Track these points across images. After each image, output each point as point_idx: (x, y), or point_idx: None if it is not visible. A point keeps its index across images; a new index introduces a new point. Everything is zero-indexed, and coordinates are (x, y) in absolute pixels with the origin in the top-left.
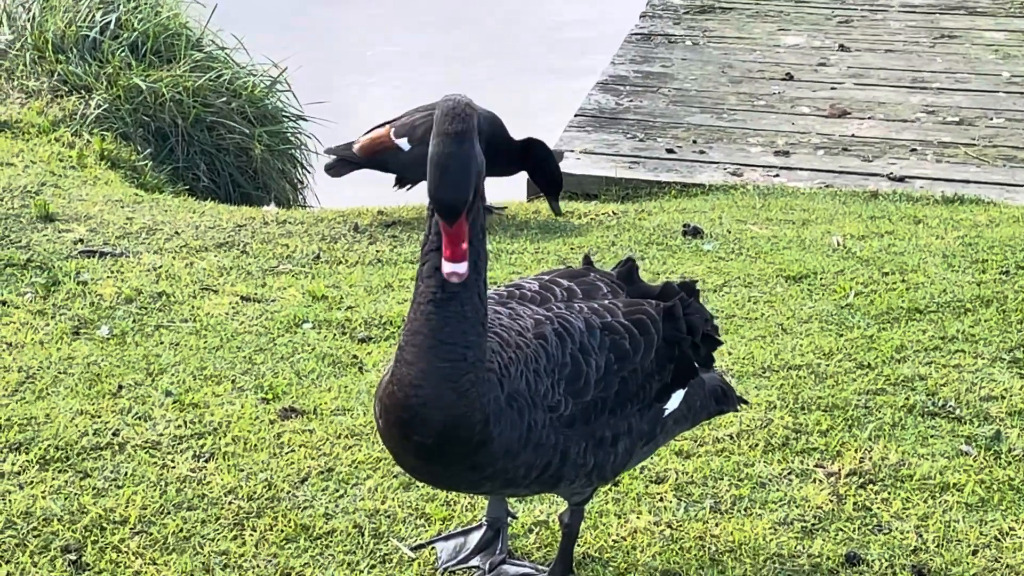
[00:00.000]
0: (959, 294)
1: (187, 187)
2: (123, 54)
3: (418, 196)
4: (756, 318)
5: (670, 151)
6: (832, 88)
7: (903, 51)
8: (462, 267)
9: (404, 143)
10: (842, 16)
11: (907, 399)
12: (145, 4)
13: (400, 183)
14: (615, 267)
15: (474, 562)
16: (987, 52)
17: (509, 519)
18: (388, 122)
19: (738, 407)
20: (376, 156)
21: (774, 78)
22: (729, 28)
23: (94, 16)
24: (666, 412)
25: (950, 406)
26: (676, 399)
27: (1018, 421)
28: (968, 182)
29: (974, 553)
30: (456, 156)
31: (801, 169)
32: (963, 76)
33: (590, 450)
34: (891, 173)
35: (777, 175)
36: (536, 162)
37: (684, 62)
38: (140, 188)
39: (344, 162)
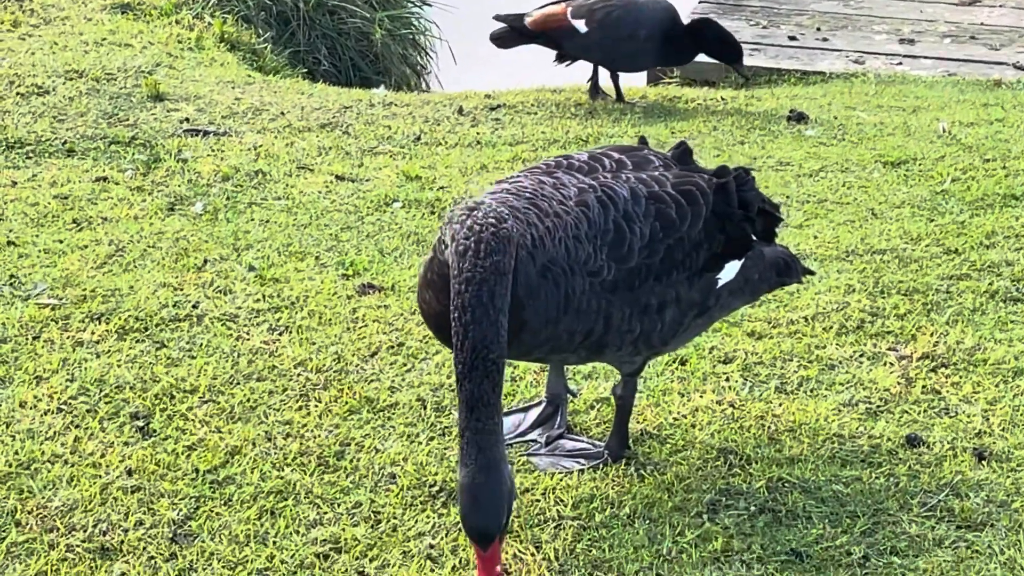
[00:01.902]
0: None
1: (307, 71)
2: None
3: (563, 76)
4: (848, 203)
5: (792, 38)
6: None
7: None
8: None
9: (581, 25)
10: None
11: (991, 284)
12: None
13: (561, 58)
14: (670, 149)
15: (532, 436)
16: None
17: (569, 396)
18: (564, 0)
19: (802, 279)
20: (549, 32)
21: None
22: None
23: None
24: (720, 283)
25: None
26: (731, 270)
27: None
28: None
29: None
30: (486, 486)
31: (925, 57)
32: None
33: (635, 317)
34: (1017, 62)
35: (900, 63)
36: (710, 41)
37: None
38: (259, 71)
39: (513, 33)
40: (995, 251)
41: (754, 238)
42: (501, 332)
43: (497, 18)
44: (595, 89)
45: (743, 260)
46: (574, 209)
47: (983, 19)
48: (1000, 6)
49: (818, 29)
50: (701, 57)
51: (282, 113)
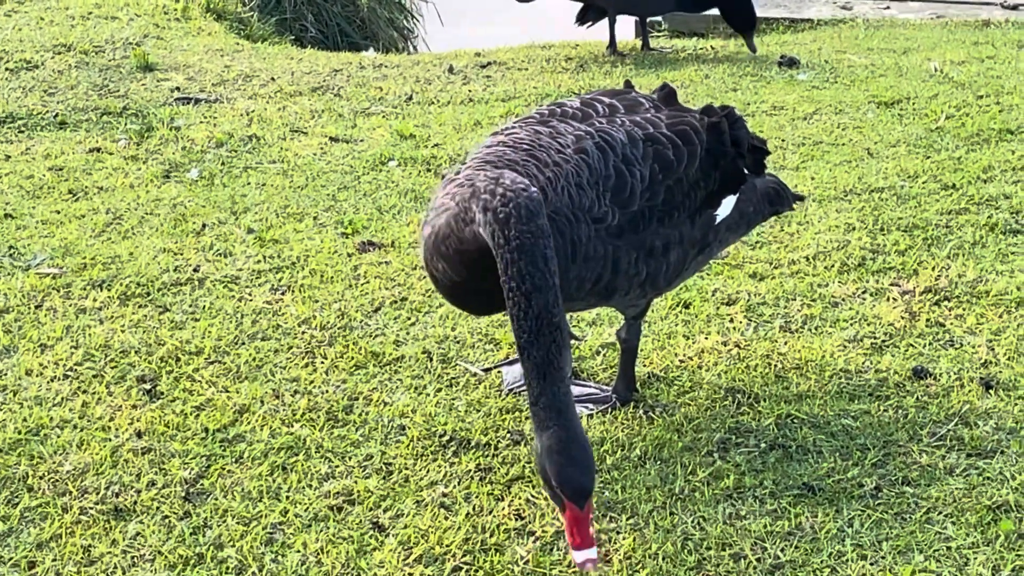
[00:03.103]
0: None
1: (294, 38)
2: None
3: (551, 32)
4: (843, 144)
5: None
6: None
7: None
8: (593, 552)
9: None
10: None
11: (990, 217)
12: None
13: (583, 19)
14: (654, 91)
15: None
16: None
17: (575, 341)
18: None
19: (793, 206)
20: None
21: None
22: None
23: None
24: (718, 219)
25: None
26: (727, 205)
27: None
28: None
29: None
30: (577, 443)
31: (913, 0)
32: None
33: (642, 260)
34: (1005, 1)
35: (887, 8)
36: (732, 2)
37: None
38: (246, 39)
39: None
40: (993, 185)
41: (747, 173)
42: (559, 294)
43: None
44: (613, 44)
45: (738, 195)
46: (573, 157)
47: None
48: None
49: None
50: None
51: (272, 79)
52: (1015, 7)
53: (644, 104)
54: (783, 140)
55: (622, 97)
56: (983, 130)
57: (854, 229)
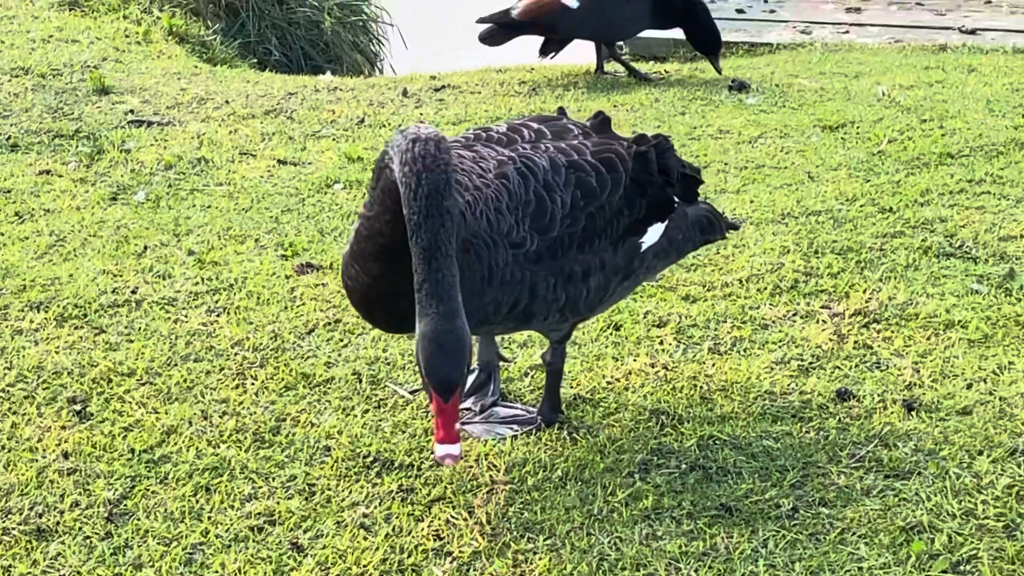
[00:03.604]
0: (994, 138)
1: (257, 61)
2: None
3: (511, 55)
4: (785, 167)
5: (740, 11)
6: None
7: None
8: (456, 448)
9: (572, 1)
10: None
11: (924, 240)
12: None
13: (545, 51)
14: (588, 118)
15: (466, 404)
16: None
17: (502, 363)
18: None
19: (726, 235)
20: (541, 18)
21: None
22: None
23: None
24: (644, 246)
25: (967, 246)
26: (654, 233)
27: None
28: None
29: (968, 387)
30: (451, 333)
31: (872, 25)
32: None
33: (560, 285)
34: (963, 26)
35: (847, 31)
36: (696, 21)
37: None
38: (208, 63)
39: (504, 28)
40: (929, 208)
41: (676, 201)
42: (452, 182)
43: (482, 20)
44: (601, 67)
45: (666, 223)
46: (494, 182)
47: None
48: None
49: (765, 1)
50: (650, 33)
51: (227, 101)
52: (973, 32)
53: (573, 131)
54: (726, 164)
55: (550, 123)
56: (924, 154)
57: (789, 252)
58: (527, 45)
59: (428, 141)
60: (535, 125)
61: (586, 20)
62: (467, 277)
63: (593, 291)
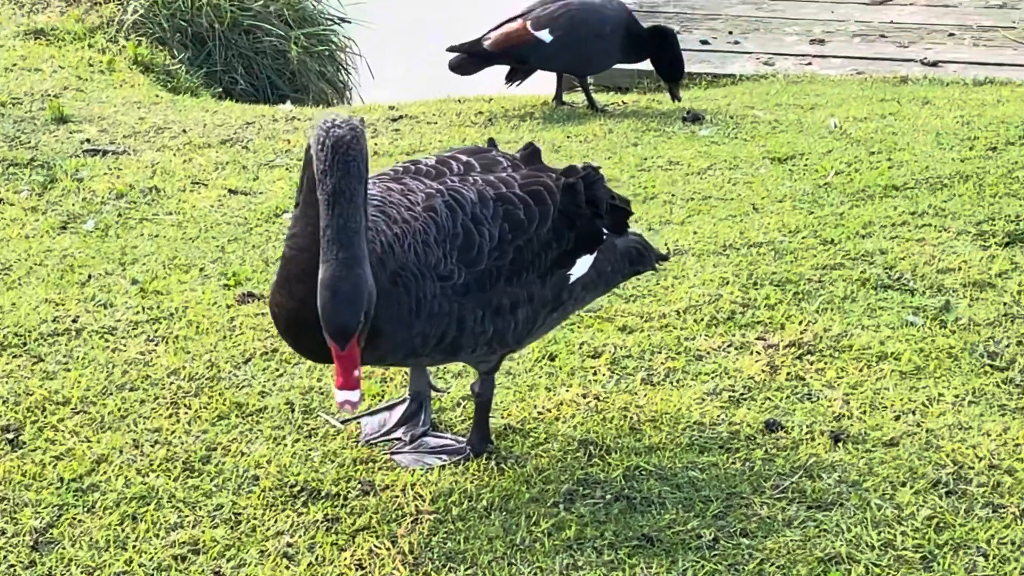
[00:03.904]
0: (940, 171)
1: (223, 90)
2: None
3: (473, 85)
4: (732, 199)
5: (704, 42)
6: None
7: None
8: (354, 395)
9: (545, 35)
10: None
11: (863, 272)
12: None
13: (511, 78)
14: (518, 150)
15: (397, 434)
16: None
17: (434, 393)
18: (518, 16)
19: (656, 266)
20: (512, 49)
21: None
22: None
23: None
24: (572, 278)
25: (905, 278)
26: (583, 265)
27: (971, 291)
28: (1002, 65)
29: (896, 419)
30: (347, 280)
31: (834, 57)
32: None
33: (488, 318)
34: (924, 58)
35: (809, 63)
36: (664, 49)
37: None
38: (172, 92)
39: (474, 59)
40: (870, 240)
41: (605, 233)
42: (361, 138)
43: (452, 49)
44: (560, 98)
45: (595, 255)
46: (422, 215)
47: (893, 17)
48: (911, 4)
49: (730, 33)
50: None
51: (184, 131)
52: (934, 64)
53: (502, 163)
54: (673, 195)
55: (480, 156)
56: (869, 186)
57: (728, 283)
58: (494, 72)
59: (343, 123)
60: (464, 158)
61: (558, 54)
62: (395, 309)
63: (521, 323)
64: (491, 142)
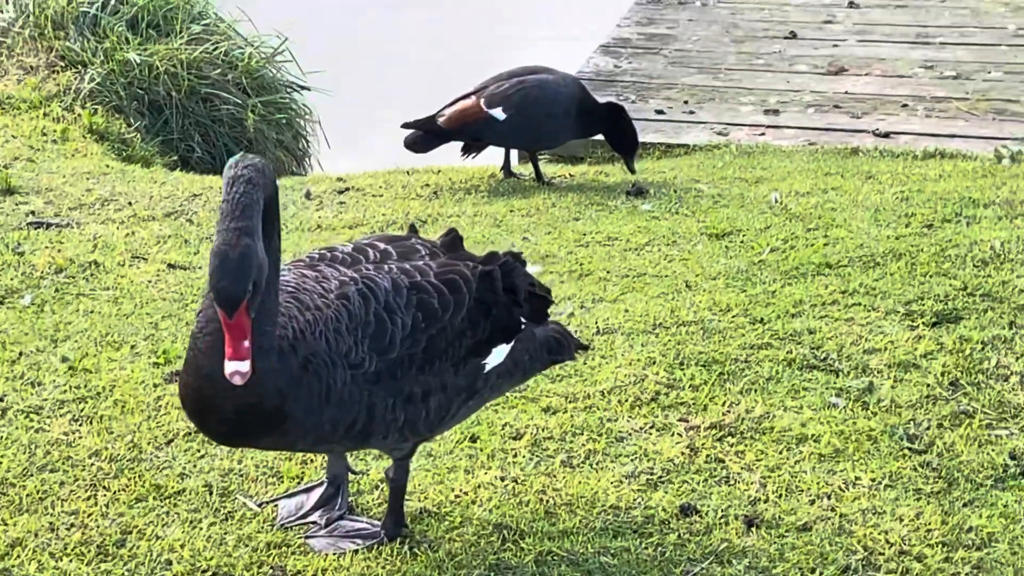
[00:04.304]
0: (874, 248)
1: (179, 159)
2: (121, 29)
3: (444, 159)
4: (666, 276)
5: (659, 112)
6: (834, 46)
7: (913, 6)
8: (244, 366)
9: (499, 112)
10: None
11: (789, 352)
12: None
13: (467, 150)
14: (439, 236)
15: (313, 517)
16: (997, 5)
17: (352, 476)
18: (471, 93)
19: (575, 355)
20: (466, 127)
21: (777, 37)
22: None
23: None
24: (487, 367)
25: (831, 359)
26: (499, 354)
27: (896, 372)
28: (954, 136)
29: (812, 503)
30: (236, 247)
31: (788, 127)
32: (968, 30)
33: (399, 406)
34: (877, 129)
35: (763, 134)
36: (619, 125)
37: (690, 23)
38: (127, 161)
39: (428, 136)
40: (799, 319)
41: (523, 322)
42: (268, 169)
43: (407, 125)
44: (508, 169)
45: (512, 344)
46: (334, 302)
47: (848, 88)
48: (866, 74)
49: (685, 102)
50: None
51: (130, 203)
52: (886, 135)
53: (420, 251)
54: (608, 271)
55: (398, 243)
56: (803, 264)
57: (654, 363)
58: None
59: (248, 160)
60: (382, 245)
61: (512, 131)
62: (305, 395)
63: (433, 411)
64: (412, 228)
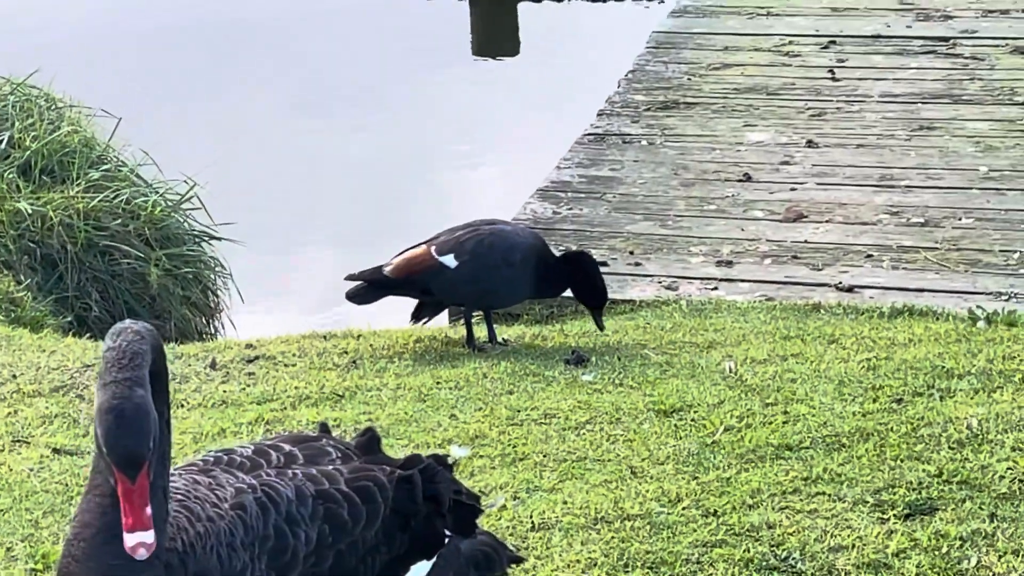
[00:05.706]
0: (838, 427)
1: (75, 318)
2: (12, 176)
3: (392, 318)
4: (609, 459)
5: (603, 263)
6: (792, 189)
7: (876, 145)
8: (149, 536)
9: (450, 260)
10: (815, 109)
11: (747, 551)
12: (42, 121)
13: (418, 316)
14: (354, 437)
15: None
16: (967, 145)
17: None
18: (422, 243)
19: (507, 570)
20: (414, 276)
21: (730, 179)
22: (691, 125)
23: None
24: None
25: (793, 558)
26: (419, 571)
27: (865, 573)
28: (923, 291)
29: None
30: (131, 399)
31: (743, 280)
32: (936, 172)
33: None
34: (840, 283)
35: (715, 288)
36: (584, 275)
37: (635, 164)
38: (16, 323)
39: (374, 286)
40: (757, 512)
41: (448, 534)
42: (155, 334)
43: (351, 277)
44: (471, 340)
45: (434, 560)
46: (228, 513)
47: (807, 236)
48: (827, 222)
49: (631, 253)
50: None
51: (13, 376)
52: (850, 289)
53: (331, 454)
54: (545, 455)
55: (306, 445)
56: (760, 445)
57: (596, 565)
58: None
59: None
60: (287, 447)
61: (463, 282)
62: None
63: None
64: (323, 427)
